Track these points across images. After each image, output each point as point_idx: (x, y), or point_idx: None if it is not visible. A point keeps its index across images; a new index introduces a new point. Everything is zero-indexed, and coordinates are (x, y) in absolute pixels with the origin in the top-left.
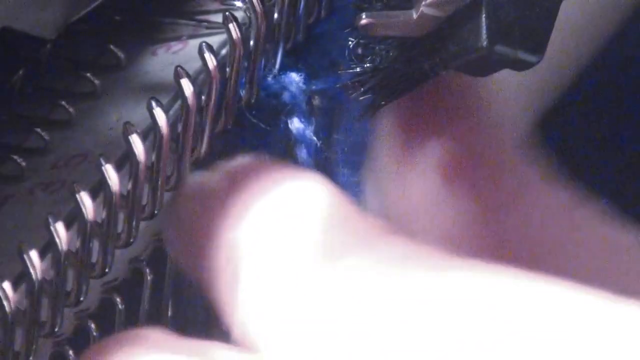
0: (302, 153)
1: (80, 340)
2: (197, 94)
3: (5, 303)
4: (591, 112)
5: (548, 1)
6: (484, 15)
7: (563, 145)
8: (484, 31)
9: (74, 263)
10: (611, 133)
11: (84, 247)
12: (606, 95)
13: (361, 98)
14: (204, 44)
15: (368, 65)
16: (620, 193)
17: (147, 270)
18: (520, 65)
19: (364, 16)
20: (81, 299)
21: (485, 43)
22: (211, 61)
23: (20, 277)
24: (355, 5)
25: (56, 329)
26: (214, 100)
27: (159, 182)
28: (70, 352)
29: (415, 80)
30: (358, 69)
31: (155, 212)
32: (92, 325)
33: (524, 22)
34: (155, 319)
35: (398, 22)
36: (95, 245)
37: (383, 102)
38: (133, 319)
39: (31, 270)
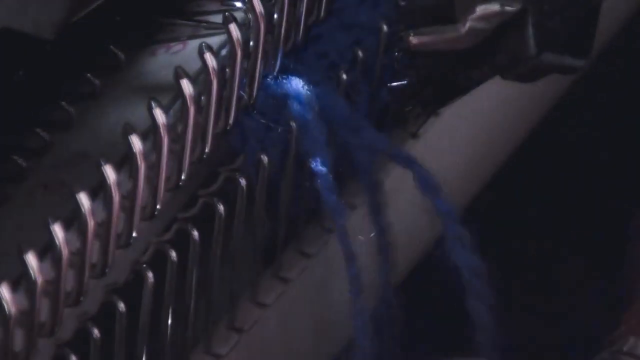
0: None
1: (81, 343)
2: (197, 94)
3: (5, 303)
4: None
5: (588, 6)
6: (530, 26)
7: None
8: (531, 41)
9: (74, 263)
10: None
11: (84, 247)
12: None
13: (410, 108)
14: (203, 44)
15: (415, 76)
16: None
17: (148, 273)
18: (567, 70)
19: (412, 34)
20: (81, 299)
21: (533, 52)
22: (211, 62)
23: (20, 278)
24: (401, 22)
25: (56, 329)
26: (214, 100)
27: (160, 183)
28: (72, 355)
29: (464, 89)
30: (406, 81)
31: (155, 212)
32: (93, 328)
33: (568, 28)
34: (156, 321)
35: (446, 37)
36: (96, 245)
37: (432, 111)
38: (134, 322)
39: (31, 271)
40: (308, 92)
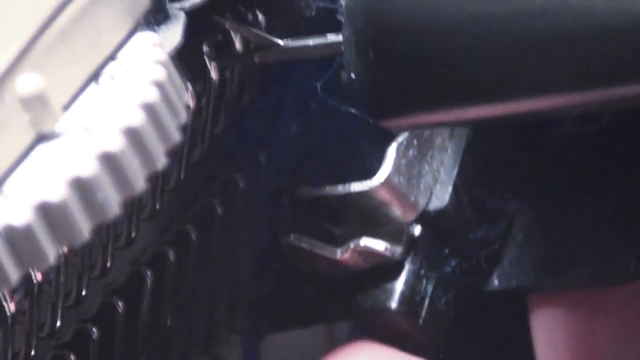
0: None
1: (81, 344)
2: (197, 94)
3: (5, 304)
4: None
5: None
6: (402, 282)
7: None
8: (396, 296)
9: (74, 263)
10: None
11: (83, 247)
12: None
13: None
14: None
15: None
16: None
17: (148, 273)
18: None
19: (292, 237)
20: (81, 299)
21: (393, 306)
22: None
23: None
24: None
25: (56, 330)
26: (212, 101)
27: (158, 185)
28: (71, 356)
29: None
30: None
31: (154, 213)
32: (93, 329)
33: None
34: (156, 322)
35: (321, 255)
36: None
37: None
38: (133, 323)
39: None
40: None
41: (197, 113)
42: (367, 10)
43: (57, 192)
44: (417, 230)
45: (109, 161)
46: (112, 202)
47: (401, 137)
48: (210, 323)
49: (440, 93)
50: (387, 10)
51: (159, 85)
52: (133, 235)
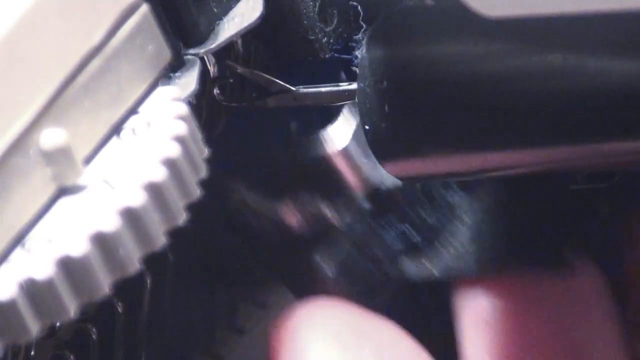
0: None
1: (80, 343)
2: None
3: None
4: None
5: None
6: (342, 250)
7: None
8: (336, 263)
9: None
10: None
11: None
12: None
13: None
14: None
15: None
16: None
17: (148, 273)
18: None
19: (238, 194)
20: None
21: (331, 273)
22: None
23: None
24: None
25: (55, 329)
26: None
27: None
28: (71, 356)
29: None
30: None
31: None
32: (92, 329)
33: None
34: (156, 322)
35: (266, 215)
36: None
37: None
38: (133, 323)
39: None
40: None
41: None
42: (384, 63)
43: (79, 246)
44: (365, 204)
45: (131, 216)
46: (133, 258)
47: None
48: (211, 323)
49: (456, 147)
50: (404, 63)
51: (181, 141)
52: None
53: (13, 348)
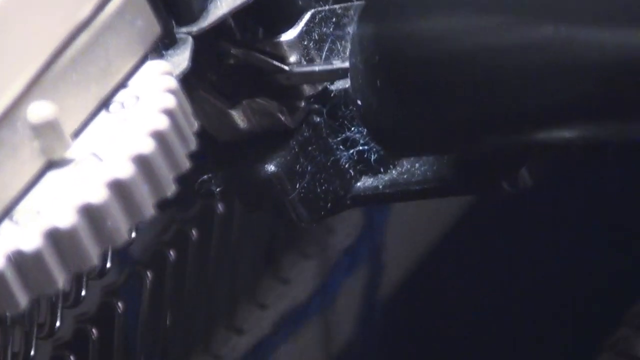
0: None
1: (80, 344)
2: None
3: None
4: None
5: None
6: (287, 148)
7: None
8: (278, 159)
9: None
10: None
11: None
12: None
13: None
14: None
15: None
16: None
17: (147, 274)
18: None
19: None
20: (80, 299)
21: (272, 169)
22: None
23: None
24: None
25: (55, 330)
26: None
27: None
28: (70, 356)
29: None
30: None
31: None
32: (92, 329)
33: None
34: (155, 322)
35: (216, 107)
36: None
37: None
38: (132, 323)
39: None
40: None
41: None
42: (375, 39)
43: (67, 218)
44: (314, 106)
45: (119, 188)
46: (121, 229)
47: (321, 9)
48: (210, 323)
49: (446, 122)
50: (396, 39)
51: (170, 114)
52: (133, 235)
53: (13, 348)
